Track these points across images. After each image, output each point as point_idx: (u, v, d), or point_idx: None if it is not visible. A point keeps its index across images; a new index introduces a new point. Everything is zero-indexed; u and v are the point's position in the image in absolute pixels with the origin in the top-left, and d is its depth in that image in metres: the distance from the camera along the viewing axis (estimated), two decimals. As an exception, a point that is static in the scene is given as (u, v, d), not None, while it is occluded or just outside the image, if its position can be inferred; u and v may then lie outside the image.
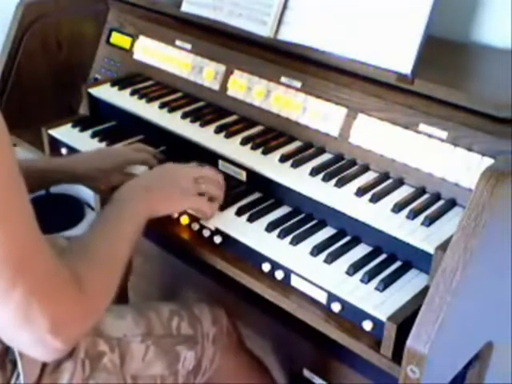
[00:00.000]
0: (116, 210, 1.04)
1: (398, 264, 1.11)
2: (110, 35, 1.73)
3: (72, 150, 1.47)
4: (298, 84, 1.37)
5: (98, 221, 1.02)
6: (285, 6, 1.37)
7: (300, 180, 1.23)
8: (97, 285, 0.91)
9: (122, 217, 1.03)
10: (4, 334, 0.86)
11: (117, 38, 1.71)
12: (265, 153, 1.30)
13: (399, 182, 1.21)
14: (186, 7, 1.53)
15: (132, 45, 1.68)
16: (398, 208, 1.13)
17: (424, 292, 0.98)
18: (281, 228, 1.18)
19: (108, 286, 0.95)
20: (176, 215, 1.24)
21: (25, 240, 0.81)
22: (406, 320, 0.97)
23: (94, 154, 1.33)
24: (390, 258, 1.12)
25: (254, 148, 1.32)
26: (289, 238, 1.15)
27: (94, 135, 1.49)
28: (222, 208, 1.23)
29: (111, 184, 1.23)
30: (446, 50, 1.42)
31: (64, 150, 1.49)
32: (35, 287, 0.81)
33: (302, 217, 1.22)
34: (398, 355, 0.96)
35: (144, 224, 1.07)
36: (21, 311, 0.80)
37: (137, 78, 1.63)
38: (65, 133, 1.51)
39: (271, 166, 1.27)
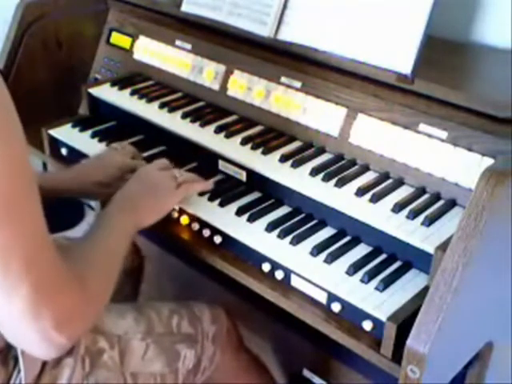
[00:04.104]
0: (106, 223, 1.08)
1: (398, 264, 1.11)
2: (109, 35, 1.73)
3: (72, 150, 1.47)
4: (298, 84, 1.37)
5: (92, 232, 1.06)
6: (285, 6, 1.37)
7: (300, 180, 1.23)
8: (96, 286, 0.94)
9: (112, 231, 1.07)
10: (9, 333, 0.88)
11: (117, 38, 1.71)
12: (265, 153, 1.30)
13: (399, 182, 1.21)
14: (185, 7, 1.53)
15: (132, 45, 1.68)
16: (398, 208, 1.13)
17: (424, 292, 0.98)
18: (281, 228, 1.18)
19: (105, 288, 0.99)
20: (176, 215, 1.25)
21: (32, 240, 0.83)
22: (405, 320, 0.97)
23: (88, 168, 1.31)
24: (390, 258, 1.12)
25: (254, 148, 1.32)
26: (289, 238, 1.15)
27: (93, 135, 1.49)
28: (222, 207, 1.24)
29: (110, 194, 1.21)
30: (446, 50, 1.42)
31: (64, 150, 1.49)
32: (41, 286, 0.83)
33: (302, 217, 1.23)
34: (398, 355, 0.96)
35: (134, 234, 1.11)
36: (27, 309, 0.82)
37: (137, 78, 1.63)
38: (65, 133, 1.51)
39: (271, 166, 1.27)
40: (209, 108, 1.49)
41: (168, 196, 1.20)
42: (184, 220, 1.24)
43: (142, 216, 1.14)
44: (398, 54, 1.21)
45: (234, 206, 1.24)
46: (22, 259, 0.81)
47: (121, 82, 1.60)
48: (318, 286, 1.06)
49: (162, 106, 1.48)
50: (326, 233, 1.19)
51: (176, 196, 1.21)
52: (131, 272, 1.51)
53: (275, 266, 1.12)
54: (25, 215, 0.82)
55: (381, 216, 1.12)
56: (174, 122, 1.43)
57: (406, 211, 1.12)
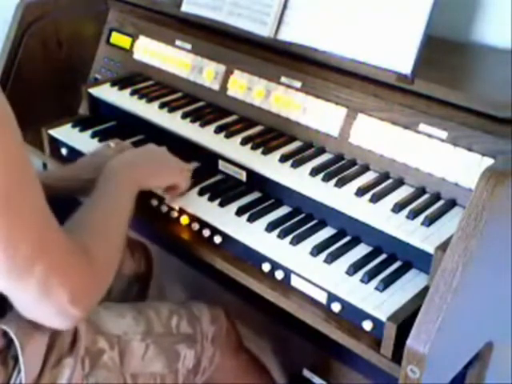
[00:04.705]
0: (105, 188, 1.09)
1: (398, 264, 1.11)
2: (109, 35, 1.73)
3: (72, 150, 1.47)
4: (298, 84, 1.37)
5: (91, 201, 1.07)
6: (285, 6, 1.37)
7: (300, 180, 1.23)
8: (102, 256, 0.97)
9: (113, 193, 1.09)
10: (25, 308, 0.92)
11: (117, 38, 1.71)
12: (265, 153, 1.30)
13: (399, 182, 1.21)
14: (185, 7, 1.53)
15: (132, 45, 1.68)
16: (398, 208, 1.13)
17: (424, 292, 0.98)
18: (281, 228, 1.18)
19: (111, 256, 1.01)
20: (176, 215, 1.25)
21: (42, 220, 0.86)
22: (405, 320, 0.97)
23: (82, 166, 1.30)
24: (390, 258, 1.12)
25: (254, 148, 1.32)
26: (289, 238, 1.15)
27: (93, 135, 1.49)
28: (222, 207, 1.24)
29: None
30: (446, 50, 1.42)
31: (64, 150, 1.49)
32: (53, 264, 0.87)
33: (302, 217, 1.22)
34: (398, 355, 0.96)
35: (135, 196, 1.12)
36: (41, 286, 0.86)
37: (137, 78, 1.63)
38: (65, 133, 1.51)
39: (271, 166, 1.27)
40: (209, 108, 1.49)
41: (170, 170, 1.22)
42: (184, 220, 1.24)
43: (143, 178, 1.16)
44: (397, 54, 1.21)
45: (233, 206, 1.24)
46: (30, 245, 0.84)
47: (121, 82, 1.60)
48: (318, 285, 1.06)
49: (161, 106, 1.48)
50: (326, 233, 1.19)
51: (180, 167, 1.23)
52: (138, 276, 1.50)
53: (275, 266, 1.12)
54: (26, 203, 0.84)
55: (381, 216, 1.12)
56: (174, 122, 1.43)
57: (405, 211, 1.12)
